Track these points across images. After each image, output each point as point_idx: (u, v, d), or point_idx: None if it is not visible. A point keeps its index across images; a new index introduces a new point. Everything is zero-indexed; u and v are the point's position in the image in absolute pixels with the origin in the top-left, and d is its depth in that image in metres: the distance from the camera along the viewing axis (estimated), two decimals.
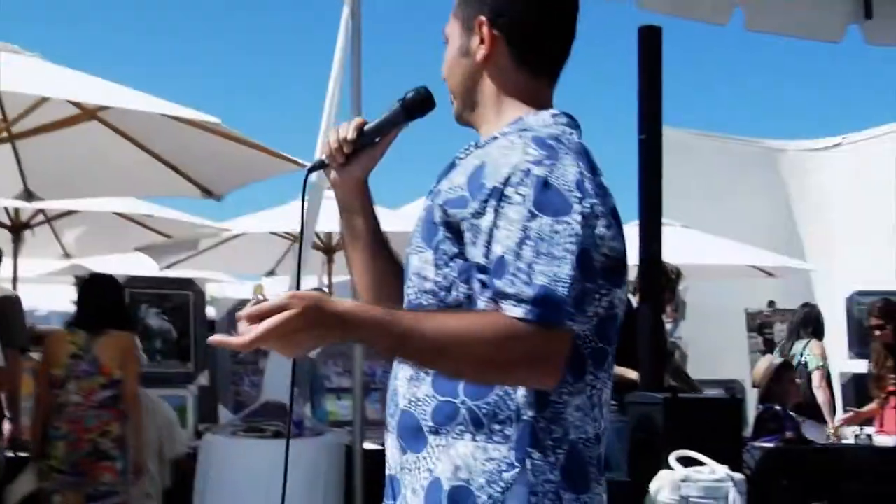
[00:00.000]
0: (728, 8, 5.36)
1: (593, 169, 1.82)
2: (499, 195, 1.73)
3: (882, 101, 27.26)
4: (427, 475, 1.79)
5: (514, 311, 1.67)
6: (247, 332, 1.63)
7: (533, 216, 1.70)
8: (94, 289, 5.96)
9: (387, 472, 1.91)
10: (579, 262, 1.70)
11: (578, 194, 1.74)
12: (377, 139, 2.03)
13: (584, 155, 1.83)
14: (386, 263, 2.11)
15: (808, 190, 12.64)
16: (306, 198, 2.28)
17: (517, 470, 1.75)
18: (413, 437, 1.83)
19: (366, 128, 2.01)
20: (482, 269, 1.75)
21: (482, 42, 1.94)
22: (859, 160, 12.40)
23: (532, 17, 1.95)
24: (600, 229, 1.76)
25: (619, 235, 1.82)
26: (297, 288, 5.23)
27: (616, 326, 1.86)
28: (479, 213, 1.75)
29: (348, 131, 2.00)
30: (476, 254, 1.76)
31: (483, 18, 1.93)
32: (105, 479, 5.47)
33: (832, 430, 7.46)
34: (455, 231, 1.80)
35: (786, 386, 7.15)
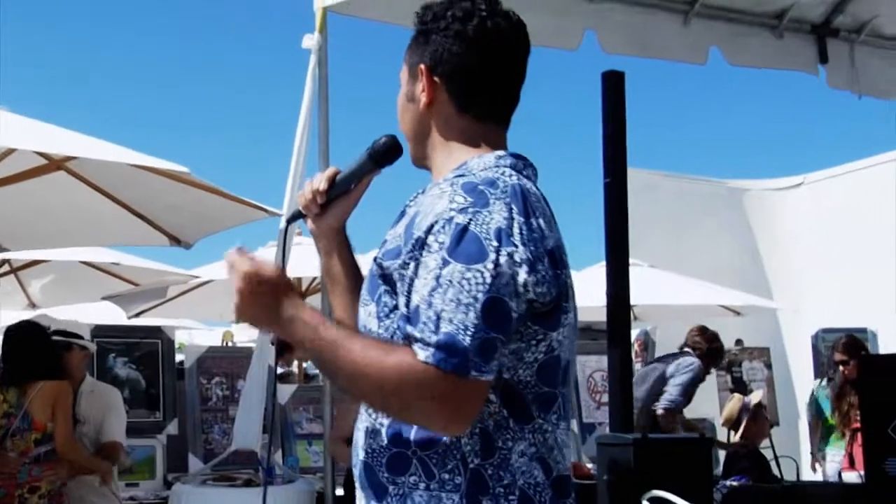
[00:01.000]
0: (704, 46, 5.44)
1: (529, 212, 1.81)
2: (421, 244, 1.76)
3: (841, 141, 27.66)
4: None
5: (420, 353, 1.69)
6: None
7: (445, 263, 1.72)
8: (15, 341, 5.78)
9: None
10: (486, 311, 1.69)
11: (496, 243, 1.73)
12: (350, 188, 2.07)
13: (520, 197, 1.81)
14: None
15: (772, 229, 12.72)
16: (286, 251, 2.35)
17: None
18: (373, 487, 1.85)
19: (337, 178, 2.05)
20: (407, 320, 1.77)
21: (423, 91, 1.98)
22: (822, 199, 12.52)
23: (470, 63, 1.97)
24: (522, 276, 1.74)
25: (552, 279, 1.80)
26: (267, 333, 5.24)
27: (561, 369, 1.86)
28: (405, 264, 1.78)
29: (321, 182, 2.05)
30: (402, 304, 1.79)
31: (422, 67, 1.98)
32: None
33: None
34: (391, 283, 1.83)
35: (761, 424, 7.21)
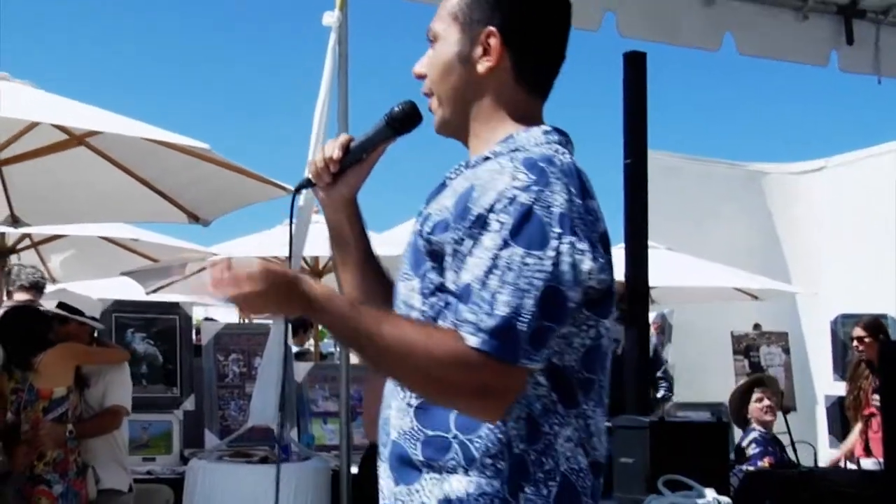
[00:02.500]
0: (718, 34, 5.41)
1: (584, 192, 1.77)
2: (482, 222, 1.70)
3: (863, 125, 27.52)
4: None
5: (471, 339, 1.65)
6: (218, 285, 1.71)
7: (506, 245, 1.67)
8: (5, 328, 5.93)
9: (381, 501, 1.88)
10: (543, 299, 1.65)
11: (558, 230, 1.69)
12: (364, 156, 1.98)
13: (576, 177, 1.77)
14: (377, 284, 2.05)
15: (792, 213, 12.65)
16: (294, 221, 2.25)
17: None
18: (405, 468, 1.80)
19: (351, 145, 1.95)
20: (455, 296, 1.72)
21: (485, 53, 1.87)
22: (843, 183, 12.43)
23: (541, 34, 1.90)
24: (587, 264, 1.70)
25: (608, 266, 1.77)
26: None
27: (601, 356, 1.82)
28: (461, 240, 1.72)
29: (334, 150, 1.94)
30: (450, 279, 1.74)
31: (493, 29, 1.87)
32: (43, 503, 5.52)
33: None
34: (439, 259, 1.77)
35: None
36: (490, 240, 1.68)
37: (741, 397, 7.06)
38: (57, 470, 5.58)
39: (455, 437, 1.75)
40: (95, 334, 6.37)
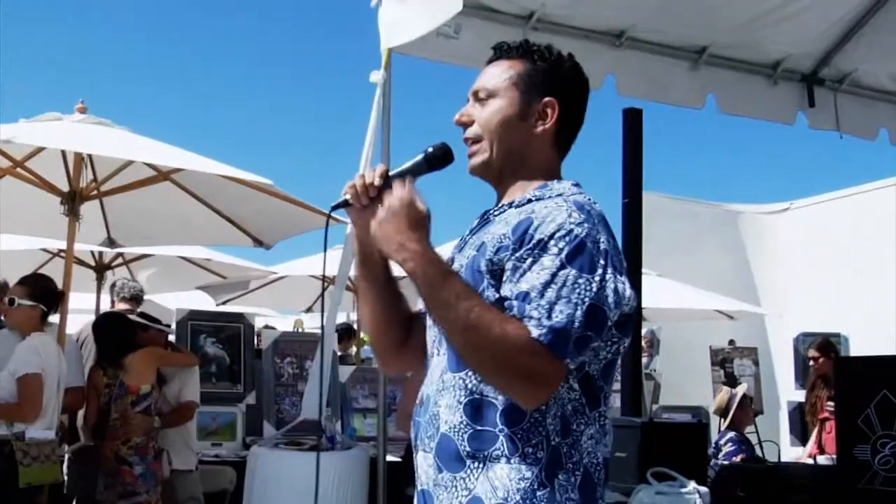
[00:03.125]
0: (702, 94, 5.40)
1: (611, 233, 1.82)
2: (543, 245, 1.72)
3: (823, 173, 27.42)
4: (466, 493, 1.75)
5: (534, 331, 1.66)
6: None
7: (563, 266, 1.70)
8: (100, 332, 5.99)
9: (419, 487, 1.86)
10: (588, 313, 1.68)
11: (603, 262, 1.73)
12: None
13: (605, 222, 1.83)
14: (396, 302, 2.02)
15: (762, 247, 12.63)
16: (343, 245, 2.19)
17: (547, 489, 1.72)
18: (451, 459, 1.77)
19: (390, 174, 1.89)
20: (513, 300, 1.72)
21: (541, 117, 1.91)
22: (805, 223, 12.43)
23: (580, 109, 1.97)
24: (627, 291, 1.75)
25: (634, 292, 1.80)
26: (332, 322, 5.20)
27: (615, 369, 1.84)
28: (522, 259, 1.74)
29: (374, 177, 1.88)
30: (508, 288, 1.74)
31: (554, 101, 1.91)
32: (127, 481, 5.54)
33: None
34: (498, 277, 1.77)
35: (746, 413, 7.12)
36: (549, 260, 1.71)
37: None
38: (138, 453, 5.59)
39: (501, 430, 1.74)
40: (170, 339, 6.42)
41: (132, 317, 6.18)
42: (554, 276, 1.69)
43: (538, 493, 1.70)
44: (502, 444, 1.73)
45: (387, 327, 2.02)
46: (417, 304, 2.02)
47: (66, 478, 5.83)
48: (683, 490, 3.82)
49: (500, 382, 1.71)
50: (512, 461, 1.72)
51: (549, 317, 1.66)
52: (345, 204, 1.92)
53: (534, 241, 1.74)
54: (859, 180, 11.85)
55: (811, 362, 8.28)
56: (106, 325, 6.03)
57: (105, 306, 8.22)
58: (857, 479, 3.92)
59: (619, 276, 1.74)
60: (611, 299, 1.72)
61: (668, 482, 3.88)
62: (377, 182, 1.88)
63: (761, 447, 7.56)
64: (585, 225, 1.74)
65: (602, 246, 1.74)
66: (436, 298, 1.72)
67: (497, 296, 1.75)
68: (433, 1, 4.23)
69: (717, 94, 5.39)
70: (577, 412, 1.76)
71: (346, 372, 7.21)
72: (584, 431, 1.76)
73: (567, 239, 1.72)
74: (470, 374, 1.78)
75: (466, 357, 1.73)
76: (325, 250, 2.12)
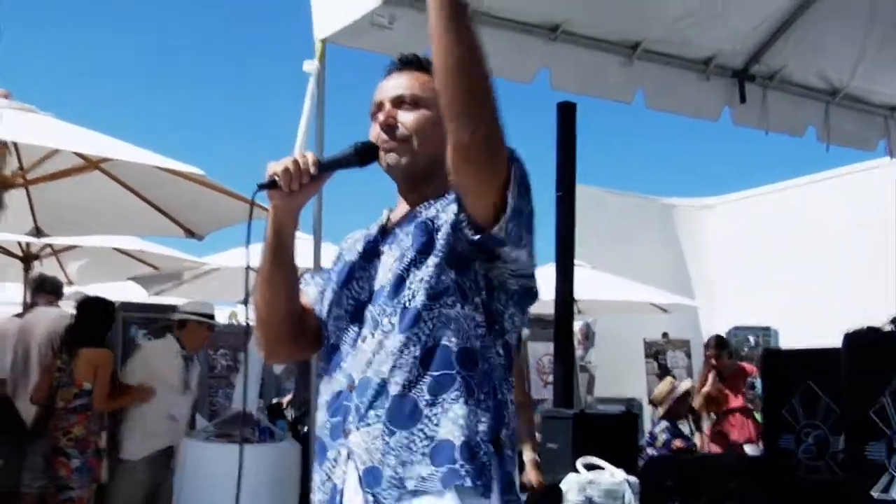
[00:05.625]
0: (632, 89, 5.45)
1: None
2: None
3: (749, 168, 27.97)
4: (428, 442, 1.73)
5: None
6: None
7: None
8: (76, 313, 5.91)
9: (360, 467, 1.77)
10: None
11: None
12: (323, 175, 1.92)
13: None
14: (298, 296, 2.04)
15: (696, 240, 12.80)
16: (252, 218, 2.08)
17: (498, 434, 1.76)
18: (407, 416, 1.75)
19: (322, 162, 1.89)
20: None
21: None
22: (736, 216, 12.62)
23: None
24: (534, 263, 1.87)
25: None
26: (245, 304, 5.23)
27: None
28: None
29: (309, 164, 1.88)
30: None
31: None
32: (61, 474, 5.47)
33: None
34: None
35: (684, 405, 7.25)
36: None
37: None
38: (77, 446, 5.50)
39: (459, 371, 1.76)
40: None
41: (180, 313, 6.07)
42: None
43: (492, 439, 1.74)
44: (460, 386, 1.74)
45: (287, 315, 2.01)
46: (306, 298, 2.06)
47: None
48: (613, 480, 3.85)
49: (470, 124, 1.68)
50: (469, 403, 1.74)
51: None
52: (272, 185, 1.88)
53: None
54: (788, 174, 12.09)
55: (710, 359, 8.61)
56: (81, 308, 5.93)
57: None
58: (782, 467, 4.00)
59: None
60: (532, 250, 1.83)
61: (597, 472, 3.91)
62: (312, 170, 1.87)
63: (694, 436, 7.71)
64: None
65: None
66: (457, 25, 1.67)
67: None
68: None
69: (645, 89, 5.45)
70: (504, 378, 1.82)
71: (279, 364, 7.18)
72: (509, 397, 1.82)
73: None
74: (423, 325, 1.78)
75: (460, 84, 1.68)
76: (247, 241, 1.98)
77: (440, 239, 1.83)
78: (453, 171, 1.74)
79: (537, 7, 5.03)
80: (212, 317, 6.27)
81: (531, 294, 1.89)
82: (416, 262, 1.84)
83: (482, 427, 1.73)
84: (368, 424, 1.77)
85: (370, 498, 1.73)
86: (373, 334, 1.85)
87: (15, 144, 6.15)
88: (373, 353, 1.83)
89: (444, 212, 1.86)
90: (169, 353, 5.94)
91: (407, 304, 1.81)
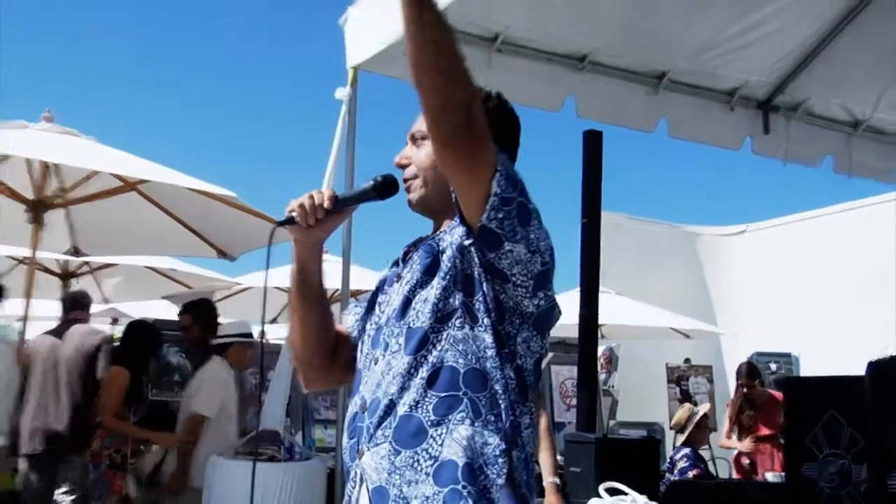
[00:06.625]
0: (655, 118, 5.44)
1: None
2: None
3: (777, 197, 27.87)
4: (431, 462, 1.70)
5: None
6: None
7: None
8: (140, 335, 6.06)
9: (365, 486, 1.78)
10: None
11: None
12: (343, 210, 1.93)
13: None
14: (329, 325, 2.04)
15: (719, 267, 12.73)
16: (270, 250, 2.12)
17: (506, 459, 1.71)
18: (412, 436, 1.73)
19: (339, 197, 1.91)
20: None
21: None
22: (759, 245, 12.55)
23: (507, 145, 1.92)
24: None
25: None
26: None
27: (541, 369, 1.87)
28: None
29: (324, 200, 1.89)
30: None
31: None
32: (86, 483, 5.62)
33: None
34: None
35: (703, 432, 7.17)
36: None
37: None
38: (93, 460, 5.54)
39: (465, 393, 1.74)
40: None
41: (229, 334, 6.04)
42: None
43: (500, 461, 1.70)
44: (466, 407, 1.72)
45: (318, 344, 2.02)
46: (342, 322, 2.07)
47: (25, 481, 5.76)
48: None
49: (443, 99, 1.65)
50: (476, 424, 1.71)
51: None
52: (290, 221, 1.90)
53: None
54: (810, 205, 12.04)
55: (743, 388, 8.63)
56: (135, 331, 6.08)
57: None
58: (804, 496, 3.94)
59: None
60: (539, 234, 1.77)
61: (619, 496, 3.87)
62: (327, 205, 1.88)
63: (714, 463, 7.61)
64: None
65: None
66: (424, 21, 1.64)
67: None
68: (395, 16, 4.23)
69: (668, 118, 5.44)
70: (517, 401, 1.77)
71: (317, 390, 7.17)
72: (522, 420, 1.77)
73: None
74: (430, 347, 1.77)
75: (422, 53, 1.64)
76: (266, 265, 2.05)
77: (445, 261, 1.82)
78: (440, 165, 1.74)
79: (566, 37, 5.04)
80: (251, 335, 6.27)
81: (551, 314, 1.84)
82: (421, 283, 1.84)
83: (488, 449, 1.70)
84: (377, 444, 1.77)
85: None
86: (383, 356, 1.85)
87: (56, 166, 6.24)
88: (382, 375, 1.83)
89: (449, 234, 1.85)
90: (228, 380, 5.82)
91: (412, 325, 1.81)
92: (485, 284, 1.77)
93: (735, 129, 5.69)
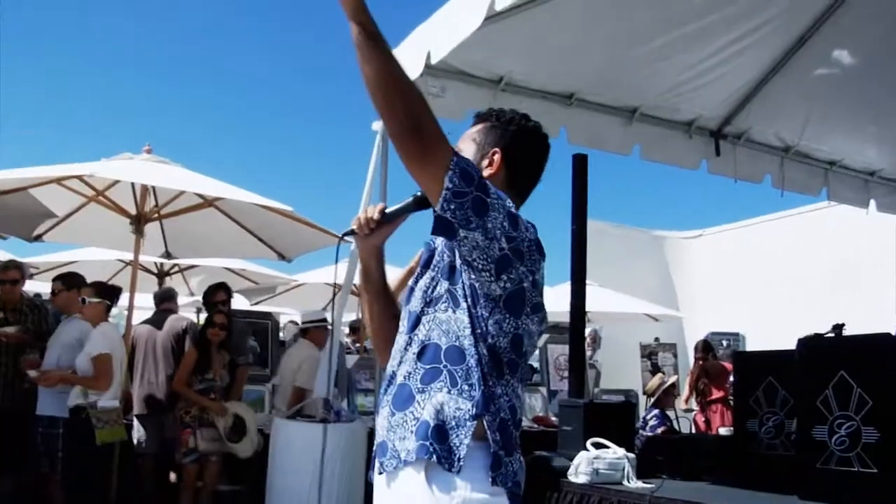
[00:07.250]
0: (630, 144, 5.44)
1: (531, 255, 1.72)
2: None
3: (728, 207, 27.72)
4: (415, 422, 1.68)
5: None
6: None
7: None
8: (232, 325, 6.04)
9: (376, 441, 1.78)
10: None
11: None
12: (392, 220, 1.93)
13: (534, 242, 1.73)
14: (389, 307, 2.01)
15: (682, 264, 12.71)
16: (348, 258, 2.17)
17: (475, 423, 1.66)
18: (403, 400, 1.72)
19: (386, 211, 1.91)
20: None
21: (490, 164, 1.86)
22: (714, 246, 12.53)
23: (526, 158, 1.90)
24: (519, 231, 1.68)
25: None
26: (339, 319, 5.19)
27: (524, 343, 1.74)
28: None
29: (374, 213, 1.90)
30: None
31: (498, 150, 1.87)
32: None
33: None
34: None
35: (670, 397, 7.15)
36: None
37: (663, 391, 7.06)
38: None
39: (445, 366, 1.70)
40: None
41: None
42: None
43: (468, 424, 1.65)
44: (446, 378, 1.69)
45: (382, 327, 2.00)
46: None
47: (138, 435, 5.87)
48: (615, 455, 3.82)
49: (390, 106, 1.56)
50: (452, 392, 1.67)
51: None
52: (351, 232, 1.94)
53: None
54: (755, 214, 12.02)
55: (697, 360, 8.78)
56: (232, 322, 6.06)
57: None
58: (748, 446, 3.94)
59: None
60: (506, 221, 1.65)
61: (603, 449, 3.88)
62: (376, 217, 1.89)
63: (678, 422, 7.58)
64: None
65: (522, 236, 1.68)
66: (363, 41, 1.55)
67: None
68: (418, 55, 4.25)
69: (641, 144, 5.44)
70: (489, 374, 1.69)
71: (351, 360, 7.19)
72: (495, 391, 1.68)
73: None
74: (421, 327, 1.75)
75: (369, 65, 1.55)
76: (335, 263, 2.20)
77: (437, 254, 1.81)
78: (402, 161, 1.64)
79: (557, 80, 5.05)
80: (325, 320, 6.35)
81: (521, 295, 1.70)
82: (421, 274, 1.84)
83: (459, 413, 1.65)
84: (383, 407, 1.78)
85: (378, 465, 1.75)
86: (399, 336, 1.85)
87: (153, 188, 6.31)
88: (395, 352, 1.83)
89: None
90: (315, 362, 5.77)
91: (411, 310, 1.81)
92: (464, 273, 1.70)
93: (693, 153, 5.69)
